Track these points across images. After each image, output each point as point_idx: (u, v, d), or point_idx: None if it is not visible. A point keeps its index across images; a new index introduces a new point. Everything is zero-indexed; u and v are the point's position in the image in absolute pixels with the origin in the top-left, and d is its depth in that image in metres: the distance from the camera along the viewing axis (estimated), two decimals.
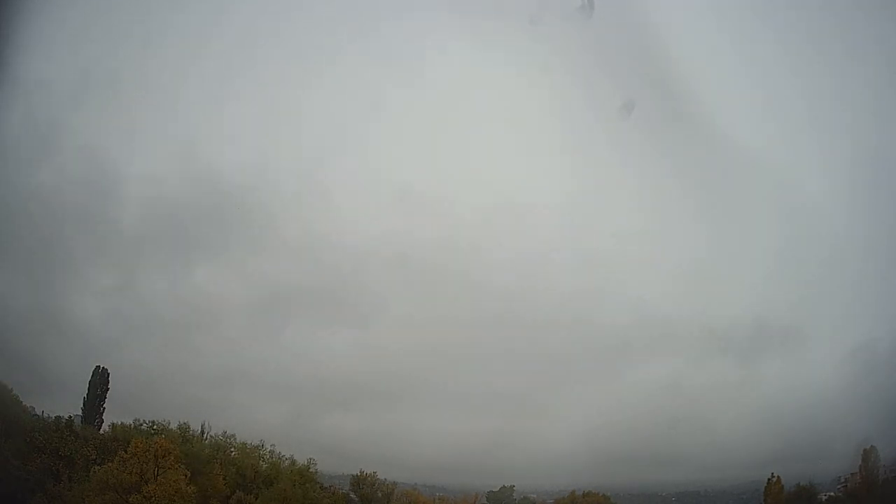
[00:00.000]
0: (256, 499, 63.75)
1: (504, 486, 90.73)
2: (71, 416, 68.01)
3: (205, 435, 70.87)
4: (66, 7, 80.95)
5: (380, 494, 73.57)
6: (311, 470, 69.90)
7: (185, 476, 58.14)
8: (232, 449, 70.71)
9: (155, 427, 68.11)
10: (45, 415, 67.14)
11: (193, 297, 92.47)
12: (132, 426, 67.93)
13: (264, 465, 69.94)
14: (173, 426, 69.23)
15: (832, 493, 76.08)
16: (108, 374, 71.94)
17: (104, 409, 71.35)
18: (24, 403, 66.75)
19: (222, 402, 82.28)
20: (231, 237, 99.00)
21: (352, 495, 74.51)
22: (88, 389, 71.14)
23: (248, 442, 71.28)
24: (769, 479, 74.63)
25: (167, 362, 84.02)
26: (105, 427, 69.99)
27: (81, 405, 70.64)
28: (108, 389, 71.65)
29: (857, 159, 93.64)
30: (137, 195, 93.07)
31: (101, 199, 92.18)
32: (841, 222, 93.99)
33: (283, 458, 70.96)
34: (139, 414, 69.51)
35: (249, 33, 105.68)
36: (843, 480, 75.65)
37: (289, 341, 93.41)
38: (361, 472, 74.36)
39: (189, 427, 69.90)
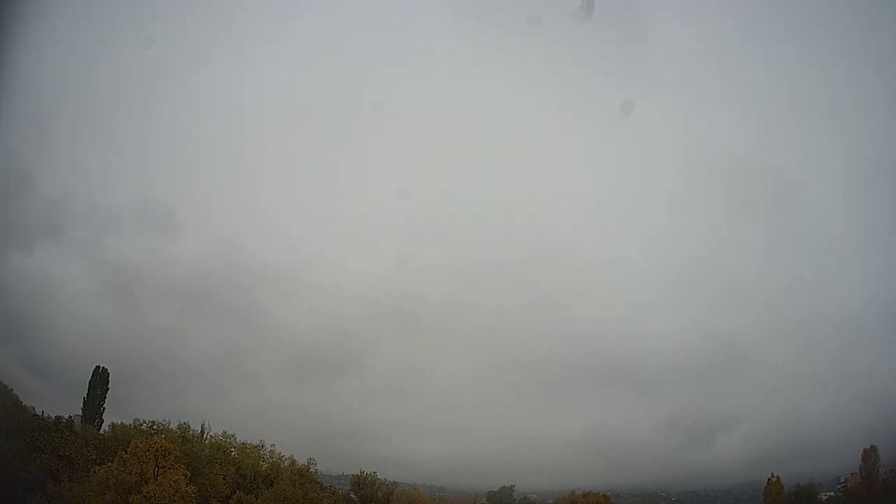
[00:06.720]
0: (256, 499, 63.69)
1: (504, 486, 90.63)
2: (71, 416, 67.97)
3: (205, 435, 70.77)
4: None
5: (380, 494, 73.48)
6: (311, 470, 69.88)
7: (185, 476, 58.11)
8: (232, 449, 70.59)
9: (155, 427, 68.06)
10: (45, 415, 66.99)
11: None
12: (132, 426, 67.81)
13: (264, 465, 69.92)
14: (173, 426, 69.27)
15: (832, 493, 76.19)
16: (108, 374, 71.95)
17: (104, 409, 71.37)
18: (24, 403, 66.57)
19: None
20: None
21: (352, 495, 74.45)
22: (88, 389, 71.11)
23: (248, 442, 71.43)
24: (769, 480, 74.65)
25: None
26: (105, 427, 70.07)
27: (81, 405, 70.62)
28: (108, 389, 71.65)
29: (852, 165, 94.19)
30: None
31: None
32: (839, 222, 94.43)
33: (283, 458, 71.00)
34: (139, 414, 69.70)
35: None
36: (843, 480, 75.88)
37: None
38: (361, 472, 74.32)
39: (189, 427, 69.77)
